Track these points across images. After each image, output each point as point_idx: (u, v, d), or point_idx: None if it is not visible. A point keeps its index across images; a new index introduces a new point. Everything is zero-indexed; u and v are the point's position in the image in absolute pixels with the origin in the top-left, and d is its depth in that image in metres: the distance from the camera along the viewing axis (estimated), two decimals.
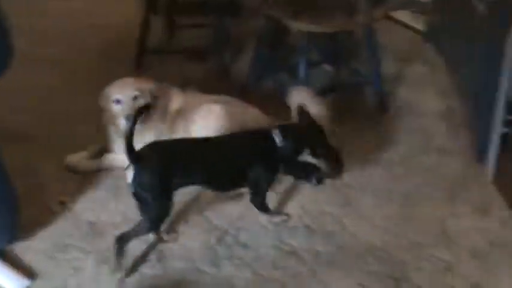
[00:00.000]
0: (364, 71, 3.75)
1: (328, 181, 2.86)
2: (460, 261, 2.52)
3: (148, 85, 2.95)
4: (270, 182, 2.62)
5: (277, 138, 2.52)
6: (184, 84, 3.23)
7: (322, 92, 3.46)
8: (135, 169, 2.33)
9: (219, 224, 2.70)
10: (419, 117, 3.57)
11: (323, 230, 2.67)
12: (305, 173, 2.64)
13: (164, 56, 4.06)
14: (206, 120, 2.98)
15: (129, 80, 2.96)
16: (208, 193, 2.76)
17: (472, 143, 3.23)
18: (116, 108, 2.87)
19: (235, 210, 2.77)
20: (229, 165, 2.54)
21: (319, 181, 2.64)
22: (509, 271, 2.48)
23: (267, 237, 2.63)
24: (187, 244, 2.59)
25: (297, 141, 2.54)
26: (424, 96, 3.77)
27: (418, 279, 2.43)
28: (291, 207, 2.80)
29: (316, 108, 2.86)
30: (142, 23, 3.89)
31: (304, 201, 2.84)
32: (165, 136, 2.98)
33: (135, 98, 2.85)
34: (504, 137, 2.96)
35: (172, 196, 2.41)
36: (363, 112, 3.63)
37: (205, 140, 2.62)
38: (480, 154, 3.10)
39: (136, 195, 2.36)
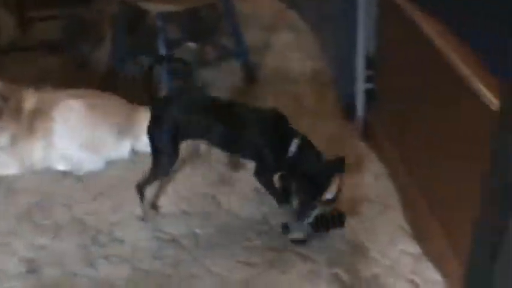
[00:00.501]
0: (229, 44, 3.70)
1: (200, 160, 2.84)
2: None
3: None
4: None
5: (293, 146, 2.38)
6: (43, 81, 3.06)
7: (187, 70, 3.41)
8: (152, 114, 2.44)
9: (91, 223, 2.57)
10: (289, 83, 3.56)
11: (200, 212, 2.61)
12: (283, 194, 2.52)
13: (18, 53, 3.82)
14: (66, 116, 2.86)
15: None
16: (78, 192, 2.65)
17: (340, 102, 3.26)
18: None
19: (106, 206, 2.64)
20: (234, 136, 2.44)
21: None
22: (385, 225, 2.51)
23: (143, 229, 2.53)
24: (59, 248, 2.45)
25: (306, 162, 2.40)
26: (292, 62, 3.77)
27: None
28: (166, 194, 2.71)
29: None
30: None
31: (178, 185, 2.75)
32: (22, 138, 2.82)
33: None
34: (369, 93, 2.99)
35: (178, 146, 2.46)
36: (233, 84, 3.57)
37: (225, 105, 2.54)
38: (348, 112, 3.12)
39: (149, 140, 2.45)
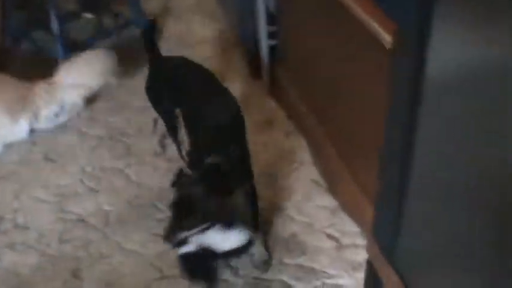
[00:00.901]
0: (127, 13, 3.55)
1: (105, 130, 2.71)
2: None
3: None
4: None
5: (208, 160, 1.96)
6: None
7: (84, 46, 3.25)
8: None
9: None
10: (193, 46, 3.43)
11: (108, 188, 2.49)
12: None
13: None
14: None
15: None
16: None
17: (246, 61, 3.18)
18: None
19: (7, 192, 2.48)
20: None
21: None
22: (299, 182, 2.47)
23: (48, 211, 2.40)
24: None
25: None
26: (194, 25, 3.64)
27: None
28: (68, 173, 2.57)
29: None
30: None
31: (83, 162, 2.62)
32: None
33: None
34: (273, 49, 2.93)
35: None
36: (135, 53, 3.42)
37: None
38: (256, 71, 3.06)
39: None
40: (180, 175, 1.97)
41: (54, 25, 3.06)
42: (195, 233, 1.88)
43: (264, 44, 2.91)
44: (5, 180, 2.56)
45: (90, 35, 3.49)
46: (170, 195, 2.38)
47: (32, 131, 2.78)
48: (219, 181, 1.91)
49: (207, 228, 1.88)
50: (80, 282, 2.11)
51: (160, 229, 2.24)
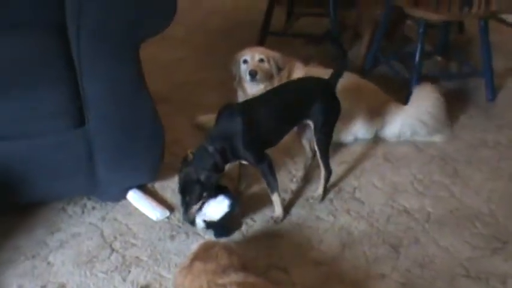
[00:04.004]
0: (472, 63, 3.96)
1: (438, 153, 3.10)
2: None
3: (275, 54, 3.29)
4: None
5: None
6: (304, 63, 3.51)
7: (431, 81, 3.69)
8: None
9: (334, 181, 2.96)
10: None
11: (433, 195, 2.87)
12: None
13: (283, 38, 4.39)
14: None
15: (258, 47, 3.37)
16: None
17: None
18: (242, 67, 3.25)
19: (350, 173, 3.01)
20: None
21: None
22: None
23: (381, 196, 2.85)
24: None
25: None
26: None
27: None
28: (403, 175, 3.02)
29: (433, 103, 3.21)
30: (268, 9, 4.25)
31: (416, 171, 3.05)
32: None
33: (261, 60, 3.23)
34: None
35: None
36: (472, 100, 3.77)
37: None
38: None
39: None
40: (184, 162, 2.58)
41: (417, 58, 3.54)
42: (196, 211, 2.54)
43: None
44: (348, 165, 3.08)
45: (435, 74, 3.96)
46: (486, 217, 2.70)
47: (376, 136, 3.29)
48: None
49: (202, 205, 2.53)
50: (397, 255, 2.49)
51: (474, 241, 2.58)
